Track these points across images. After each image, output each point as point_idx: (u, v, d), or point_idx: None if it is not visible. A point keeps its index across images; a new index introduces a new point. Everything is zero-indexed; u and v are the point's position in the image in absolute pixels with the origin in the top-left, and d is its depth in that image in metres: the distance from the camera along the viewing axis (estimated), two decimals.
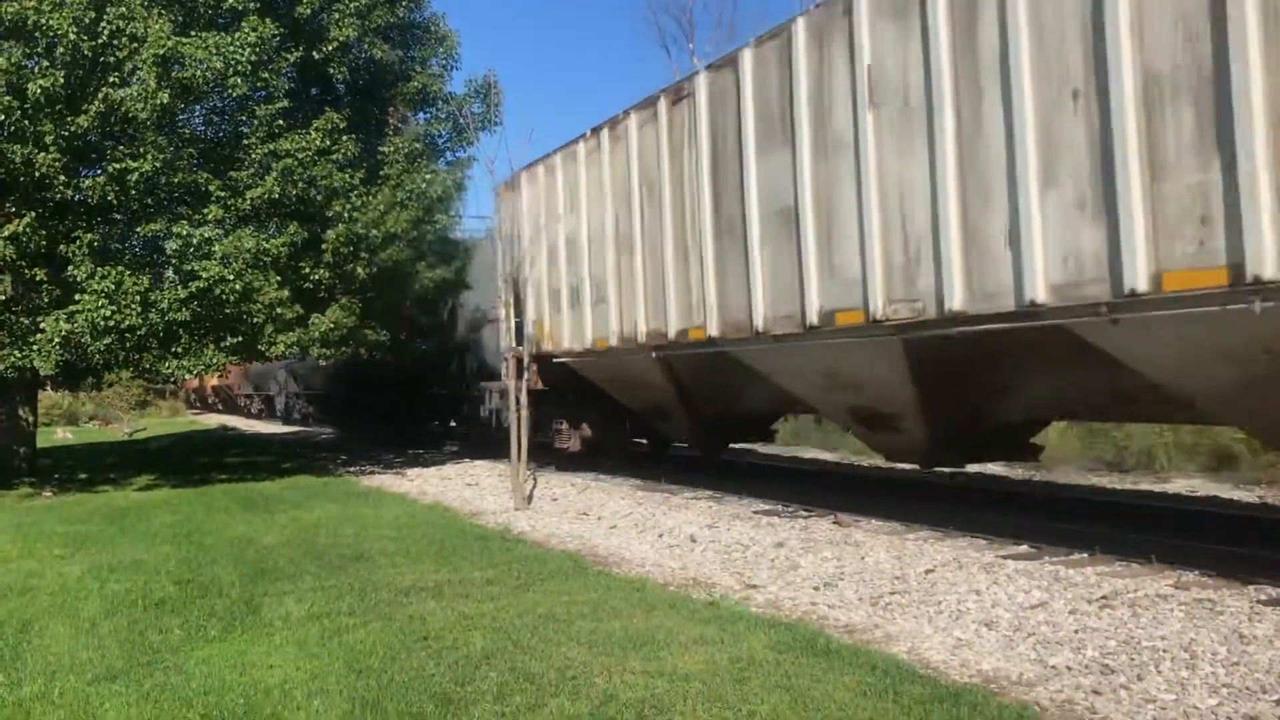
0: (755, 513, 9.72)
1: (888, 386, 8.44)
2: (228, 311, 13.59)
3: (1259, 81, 5.18)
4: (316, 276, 14.54)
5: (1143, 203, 5.77)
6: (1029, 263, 6.45)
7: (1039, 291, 6.40)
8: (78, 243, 13.21)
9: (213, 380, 41.09)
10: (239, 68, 13.08)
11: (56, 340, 12.75)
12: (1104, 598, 5.84)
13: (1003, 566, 6.74)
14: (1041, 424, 9.42)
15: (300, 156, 13.66)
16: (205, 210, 13.54)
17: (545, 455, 14.46)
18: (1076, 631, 5.32)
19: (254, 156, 13.78)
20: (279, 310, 13.67)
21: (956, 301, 7.03)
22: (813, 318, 8.43)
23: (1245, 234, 5.24)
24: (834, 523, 8.96)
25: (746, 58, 9.20)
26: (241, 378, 38.66)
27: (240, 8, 13.56)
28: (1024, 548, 7.46)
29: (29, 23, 12.31)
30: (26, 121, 12.48)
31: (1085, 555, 7.10)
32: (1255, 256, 5.20)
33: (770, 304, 9.03)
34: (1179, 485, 11.27)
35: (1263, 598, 5.67)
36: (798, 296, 8.59)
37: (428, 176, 15.23)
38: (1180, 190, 5.62)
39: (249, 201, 13.60)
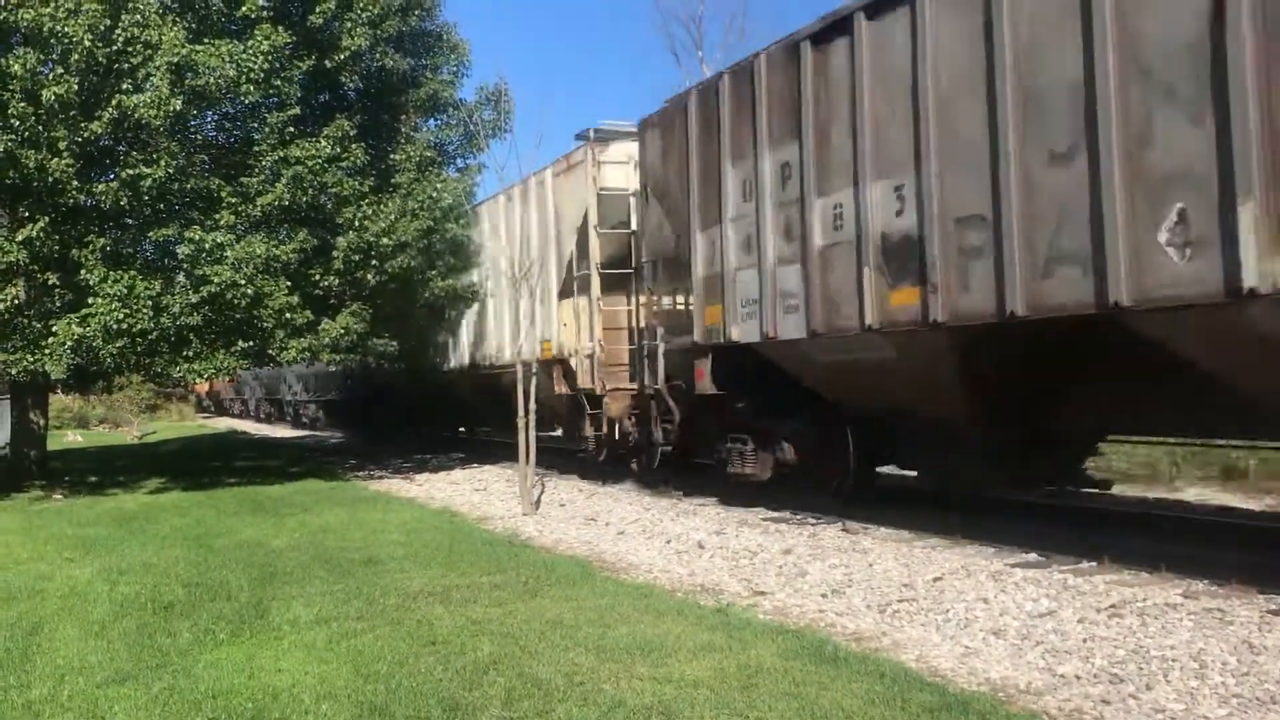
0: (763, 519, 9.72)
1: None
2: (238, 316, 13.67)
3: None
4: (327, 283, 14.61)
5: (524, 333, 13.29)
6: (501, 347, 16.01)
7: (506, 358, 15.20)
8: (90, 247, 13.30)
9: (204, 386, 48.76)
10: (251, 75, 13.17)
11: (68, 344, 12.81)
12: (1112, 606, 5.82)
13: (1011, 575, 6.72)
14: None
15: (310, 164, 13.74)
16: (217, 216, 13.62)
17: (558, 461, 14.49)
18: (1085, 640, 5.30)
19: (265, 163, 13.87)
20: (289, 315, 13.73)
21: (505, 359, 15.51)
22: (505, 359, 15.85)
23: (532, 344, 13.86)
24: (842, 530, 8.96)
25: (500, 198, 16.57)
26: (228, 385, 47.47)
27: (253, 16, 13.66)
28: (1032, 556, 7.44)
29: (44, 29, 12.41)
30: (40, 127, 12.57)
31: (1094, 564, 7.08)
32: (550, 349, 14.06)
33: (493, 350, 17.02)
34: (1188, 494, 11.22)
35: (1272, 607, 5.65)
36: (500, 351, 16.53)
37: (439, 185, 15.30)
38: (535, 330, 14.01)
39: (260, 207, 13.68)
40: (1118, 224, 6.00)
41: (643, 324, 11.90)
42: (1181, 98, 5.69)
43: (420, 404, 23.02)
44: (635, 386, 12.21)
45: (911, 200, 7.58)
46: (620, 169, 12.76)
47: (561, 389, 13.82)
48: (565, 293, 13.79)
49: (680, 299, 11.12)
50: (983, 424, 8.07)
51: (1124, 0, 5.96)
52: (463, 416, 22.96)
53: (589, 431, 13.04)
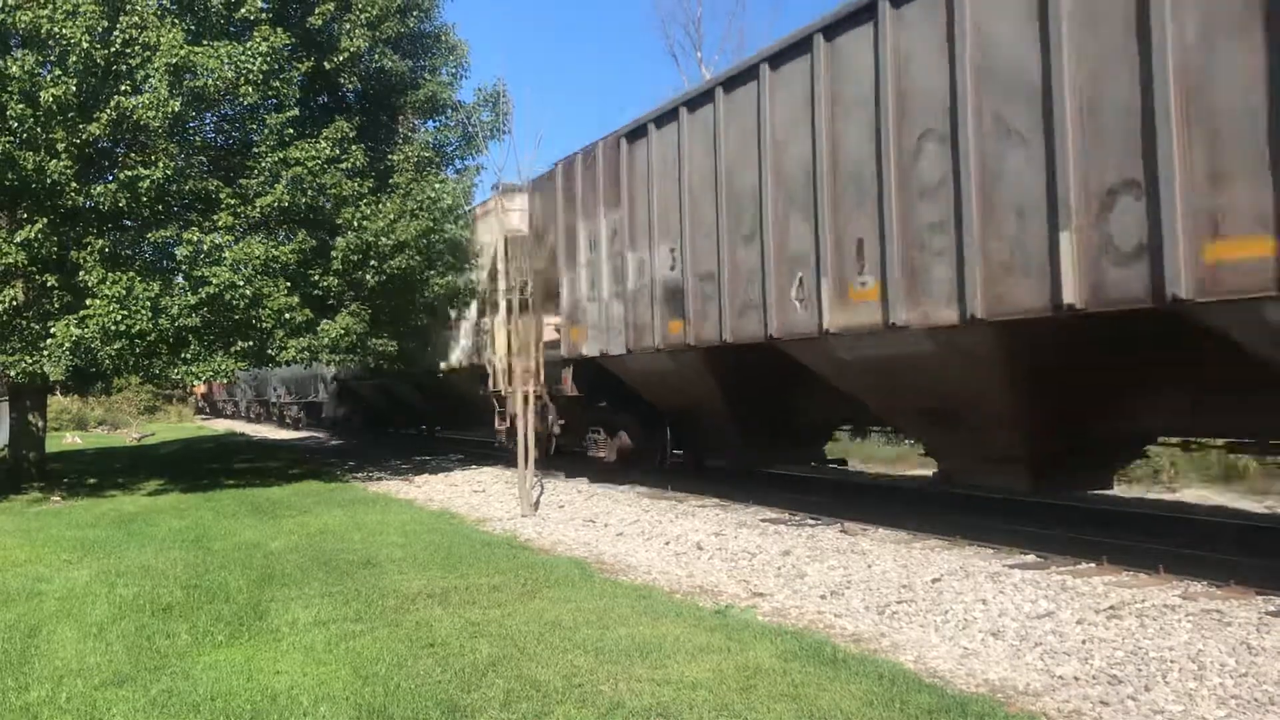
0: (762, 520, 9.72)
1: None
2: (237, 318, 13.66)
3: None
4: (326, 284, 14.61)
5: (459, 343, 17.91)
6: (443, 355, 18.54)
7: (448, 364, 18.42)
8: (89, 249, 13.29)
9: (202, 388, 51.64)
10: (250, 77, 13.16)
11: (67, 345, 12.81)
12: (1111, 608, 5.83)
13: (1009, 576, 6.72)
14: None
15: (310, 165, 13.74)
16: (215, 217, 13.62)
17: (560, 462, 14.51)
18: (1084, 641, 5.31)
19: (264, 164, 13.86)
20: (289, 316, 13.73)
21: (447, 365, 18.72)
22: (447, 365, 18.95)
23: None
24: (841, 531, 8.96)
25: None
26: (220, 388, 51.00)
27: (252, 18, 13.65)
28: (1031, 557, 7.45)
29: (42, 31, 12.41)
30: (39, 129, 12.57)
31: (1092, 565, 7.08)
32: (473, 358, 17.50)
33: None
34: (1187, 495, 11.24)
35: (1270, 608, 5.65)
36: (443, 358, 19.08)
37: (437, 185, 15.32)
38: (469, 342, 17.79)
39: (259, 209, 13.67)
40: (773, 285, 9.05)
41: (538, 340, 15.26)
42: (799, 206, 8.72)
43: (384, 406, 25.91)
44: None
45: (679, 259, 10.60)
46: (524, 215, 15.44)
47: (481, 390, 17.24)
48: (483, 312, 17.35)
49: (557, 321, 13.89)
50: (739, 419, 11.17)
51: (776, 141, 8.98)
52: (420, 416, 25.82)
53: (498, 425, 15.90)
